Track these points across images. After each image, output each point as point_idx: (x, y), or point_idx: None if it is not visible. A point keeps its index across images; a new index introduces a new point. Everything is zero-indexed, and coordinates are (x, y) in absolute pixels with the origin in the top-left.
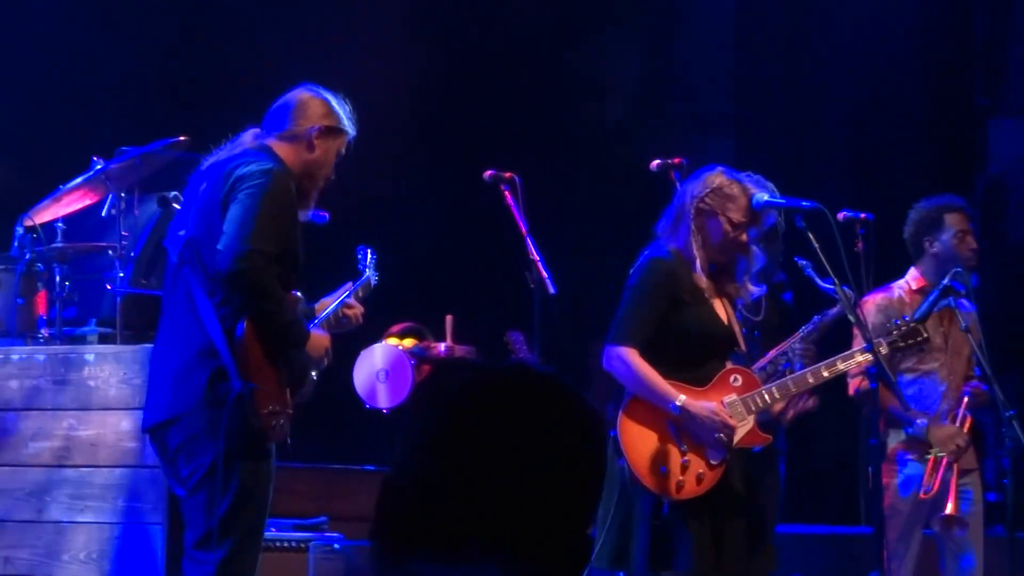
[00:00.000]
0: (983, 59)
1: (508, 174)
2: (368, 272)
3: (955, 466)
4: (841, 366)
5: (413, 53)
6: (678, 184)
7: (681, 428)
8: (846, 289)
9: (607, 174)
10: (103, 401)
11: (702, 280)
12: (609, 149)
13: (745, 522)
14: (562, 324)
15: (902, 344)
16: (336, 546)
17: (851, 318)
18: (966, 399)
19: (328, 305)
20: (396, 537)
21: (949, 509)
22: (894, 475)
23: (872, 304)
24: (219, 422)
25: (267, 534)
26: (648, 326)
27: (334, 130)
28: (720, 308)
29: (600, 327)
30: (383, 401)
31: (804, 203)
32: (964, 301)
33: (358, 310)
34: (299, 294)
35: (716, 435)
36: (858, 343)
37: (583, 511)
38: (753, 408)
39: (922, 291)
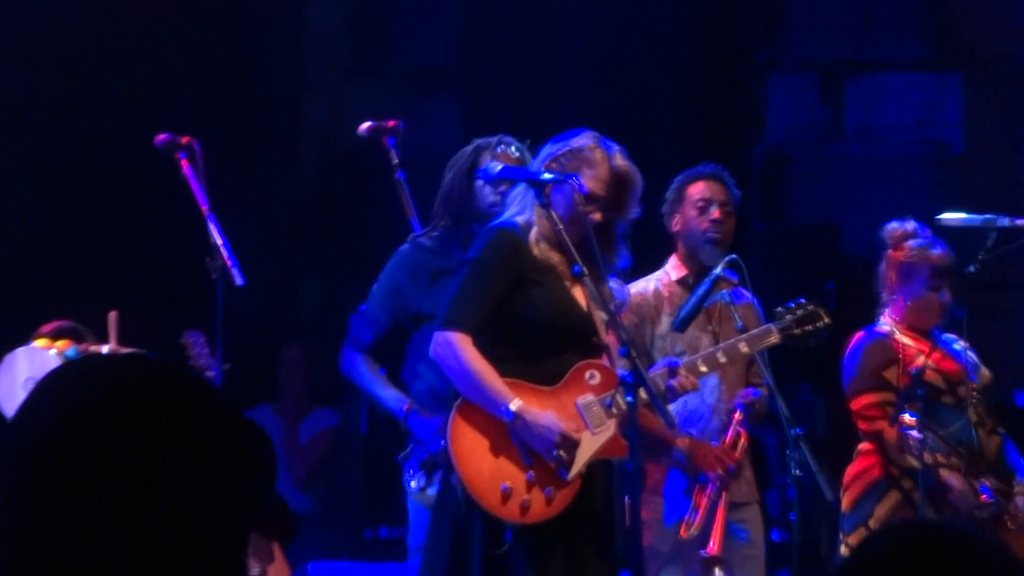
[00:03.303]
0: (760, 3)
1: (185, 139)
2: None
3: (724, 494)
4: (745, 349)
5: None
6: (392, 151)
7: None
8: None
9: (308, 141)
10: None
11: (553, 257)
12: (311, 111)
13: (595, 550)
14: (251, 322)
15: (798, 332)
16: None
17: (602, 314)
18: (738, 412)
19: None
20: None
21: (711, 547)
22: (655, 509)
23: None
24: None
25: None
26: (486, 308)
27: None
28: (578, 291)
29: (296, 326)
30: None
31: (546, 177)
32: (742, 290)
33: None
34: None
35: (554, 452)
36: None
37: (232, 541)
38: (615, 411)
39: (684, 281)
